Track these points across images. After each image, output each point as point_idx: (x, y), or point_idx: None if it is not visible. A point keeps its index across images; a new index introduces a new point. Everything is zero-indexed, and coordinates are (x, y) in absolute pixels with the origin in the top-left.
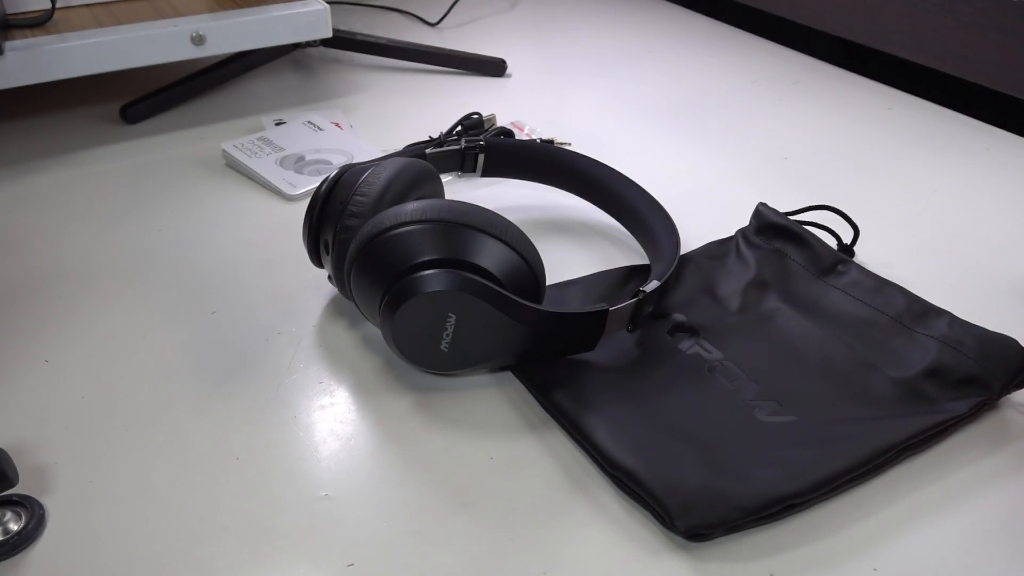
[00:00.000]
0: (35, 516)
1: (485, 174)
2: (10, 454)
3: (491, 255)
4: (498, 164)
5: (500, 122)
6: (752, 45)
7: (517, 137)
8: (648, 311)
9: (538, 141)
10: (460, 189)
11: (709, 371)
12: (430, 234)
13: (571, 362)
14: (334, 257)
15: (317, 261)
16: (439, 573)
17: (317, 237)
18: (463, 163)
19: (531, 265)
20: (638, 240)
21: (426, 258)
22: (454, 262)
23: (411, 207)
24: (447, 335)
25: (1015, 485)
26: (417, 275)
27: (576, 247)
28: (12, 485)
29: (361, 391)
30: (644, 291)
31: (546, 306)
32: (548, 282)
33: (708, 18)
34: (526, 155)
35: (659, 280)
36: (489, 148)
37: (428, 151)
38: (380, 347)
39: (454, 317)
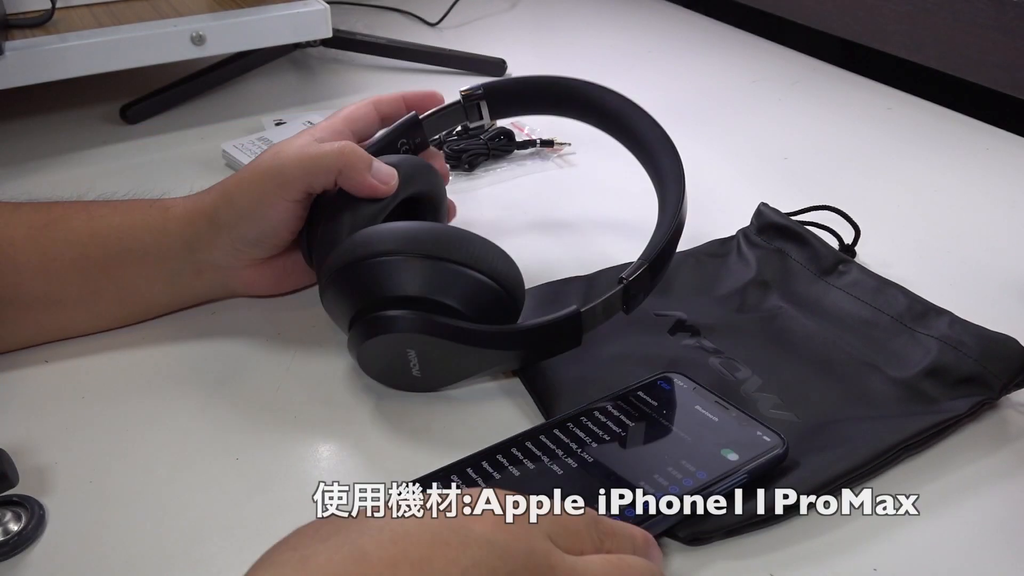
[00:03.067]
0: (35, 516)
1: (495, 117)
2: (10, 454)
3: (450, 285)
4: (504, 105)
5: (500, 122)
6: (752, 45)
7: (517, 138)
8: (646, 288)
9: (538, 142)
10: (460, 189)
11: (711, 363)
12: (387, 269)
13: (571, 368)
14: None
15: (311, 261)
16: None
17: (311, 237)
18: (468, 115)
19: (501, 283)
20: (649, 176)
21: (382, 296)
22: (406, 300)
23: (374, 235)
24: (414, 366)
25: (1015, 485)
26: (371, 316)
27: (579, 245)
28: (12, 485)
29: (362, 391)
30: (624, 278)
31: (515, 324)
32: (550, 279)
33: (708, 18)
34: (530, 90)
35: (646, 261)
36: (490, 93)
37: (422, 117)
38: None
39: (414, 352)
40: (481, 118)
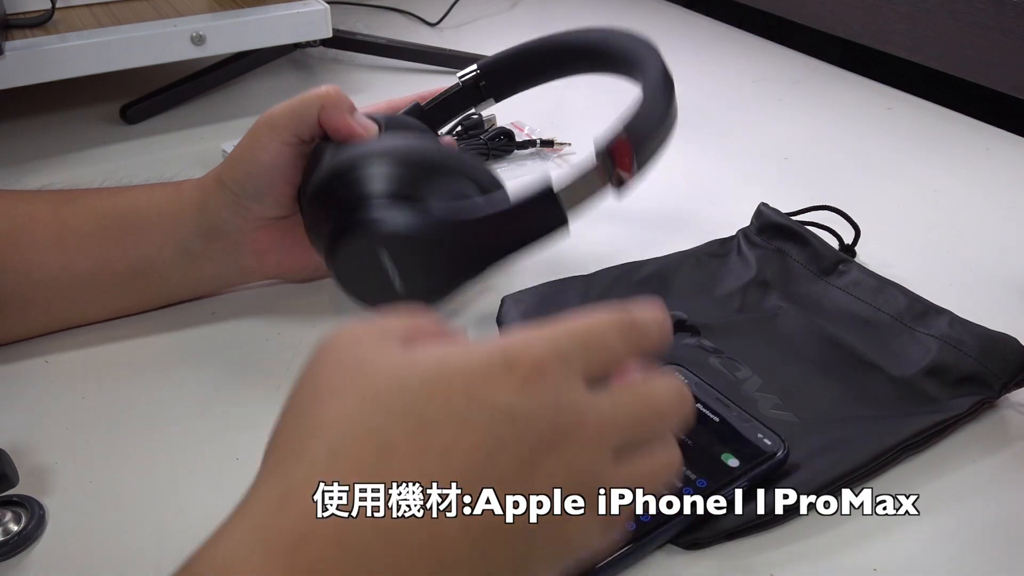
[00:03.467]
0: (35, 516)
1: (497, 97)
2: (10, 454)
3: (422, 187)
4: (502, 80)
5: (500, 122)
6: (752, 45)
7: (517, 138)
8: (629, 160)
9: (538, 142)
10: None
11: (711, 363)
12: (352, 180)
13: None
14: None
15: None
16: None
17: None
18: (470, 97)
19: (477, 183)
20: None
21: (349, 207)
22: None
23: (341, 151)
24: (393, 274)
25: (1015, 485)
26: (336, 227)
27: (578, 245)
28: (12, 485)
29: None
30: (598, 146)
31: (484, 210)
32: (550, 278)
33: (708, 18)
34: (523, 56)
35: (624, 129)
36: (486, 70)
37: (423, 104)
38: None
39: (386, 254)
40: (484, 99)
